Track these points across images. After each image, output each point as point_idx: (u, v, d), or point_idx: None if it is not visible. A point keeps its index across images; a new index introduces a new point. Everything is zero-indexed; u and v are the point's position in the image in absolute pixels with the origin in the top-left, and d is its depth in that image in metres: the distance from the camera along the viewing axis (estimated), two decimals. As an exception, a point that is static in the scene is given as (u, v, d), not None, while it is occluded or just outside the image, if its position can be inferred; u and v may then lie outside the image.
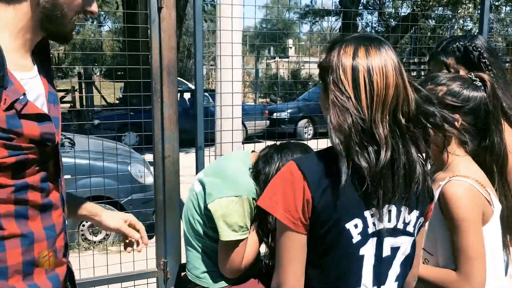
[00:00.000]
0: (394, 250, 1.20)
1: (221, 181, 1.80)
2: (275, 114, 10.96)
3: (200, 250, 1.90)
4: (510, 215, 1.57)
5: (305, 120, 11.46)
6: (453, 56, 1.82)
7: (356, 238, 1.14)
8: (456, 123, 1.44)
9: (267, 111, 10.51)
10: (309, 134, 11.13)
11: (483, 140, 1.51)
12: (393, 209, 1.16)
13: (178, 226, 2.36)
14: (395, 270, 1.22)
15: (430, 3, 13.42)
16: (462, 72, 1.78)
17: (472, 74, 1.54)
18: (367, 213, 1.14)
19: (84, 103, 12.72)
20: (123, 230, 1.53)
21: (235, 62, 3.53)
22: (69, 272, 1.29)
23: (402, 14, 18.73)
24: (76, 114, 11.62)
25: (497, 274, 1.49)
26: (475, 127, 1.50)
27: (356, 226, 1.14)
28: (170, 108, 2.21)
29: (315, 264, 1.19)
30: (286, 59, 20.37)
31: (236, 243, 1.76)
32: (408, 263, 1.25)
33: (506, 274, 1.64)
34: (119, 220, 1.53)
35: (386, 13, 20.64)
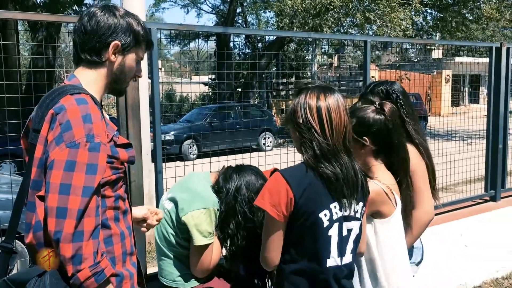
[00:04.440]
0: (349, 231, 1.76)
1: (191, 196, 2.19)
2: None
3: (173, 257, 2.27)
4: (408, 206, 2.16)
5: (189, 141, 11.87)
6: (378, 97, 2.32)
7: (326, 223, 1.68)
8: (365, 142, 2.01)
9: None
10: (193, 154, 11.54)
11: (389, 152, 2.04)
12: (347, 202, 1.72)
13: (143, 241, 2.70)
14: (350, 245, 1.77)
15: (295, 29, 14.86)
16: None
17: (377, 103, 2.03)
18: (332, 205, 1.69)
19: None
20: (147, 217, 1.90)
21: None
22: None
23: (268, 40, 20.23)
24: None
25: (398, 262, 1.97)
26: (382, 143, 2.00)
27: (325, 215, 1.68)
28: (135, 138, 2.57)
29: (296, 243, 1.71)
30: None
31: (206, 246, 2.16)
32: (357, 240, 1.81)
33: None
34: (145, 209, 1.91)
35: (253, 37, 22.02)
